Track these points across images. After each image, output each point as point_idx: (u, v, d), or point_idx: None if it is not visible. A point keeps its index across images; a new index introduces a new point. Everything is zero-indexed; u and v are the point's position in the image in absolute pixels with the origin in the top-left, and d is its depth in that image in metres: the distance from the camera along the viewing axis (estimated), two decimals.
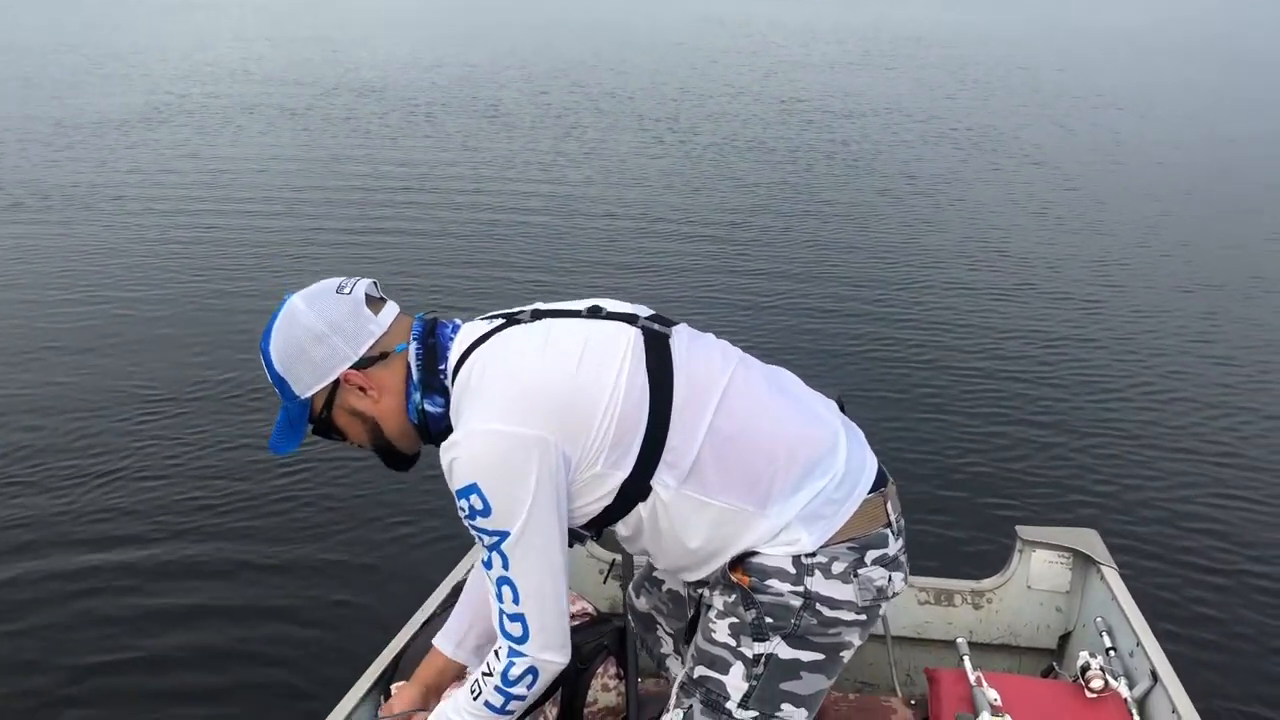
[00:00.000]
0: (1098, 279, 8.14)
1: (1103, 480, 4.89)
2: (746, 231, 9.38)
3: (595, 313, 1.70)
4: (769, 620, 1.65)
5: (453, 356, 1.66)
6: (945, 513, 4.52)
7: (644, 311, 1.74)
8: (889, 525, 1.70)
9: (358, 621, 3.73)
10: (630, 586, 2.27)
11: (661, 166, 12.18)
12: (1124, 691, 2.35)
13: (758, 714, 1.67)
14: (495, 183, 11.28)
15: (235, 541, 4.35)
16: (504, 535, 1.56)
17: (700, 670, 1.71)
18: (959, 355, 6.44)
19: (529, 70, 21.00)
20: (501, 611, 1.63)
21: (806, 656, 1.67)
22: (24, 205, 10.06)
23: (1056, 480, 4.88)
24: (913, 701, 2.55)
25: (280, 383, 1.66)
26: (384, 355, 1.66)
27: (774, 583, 1.64)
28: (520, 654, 1.63)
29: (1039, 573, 2.88)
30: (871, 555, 1.66)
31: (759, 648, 1.66)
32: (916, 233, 9.43)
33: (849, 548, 1.65)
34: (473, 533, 1.60)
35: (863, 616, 1.68)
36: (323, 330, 1.62)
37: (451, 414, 1.65)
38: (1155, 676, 2.38)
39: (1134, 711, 2.30)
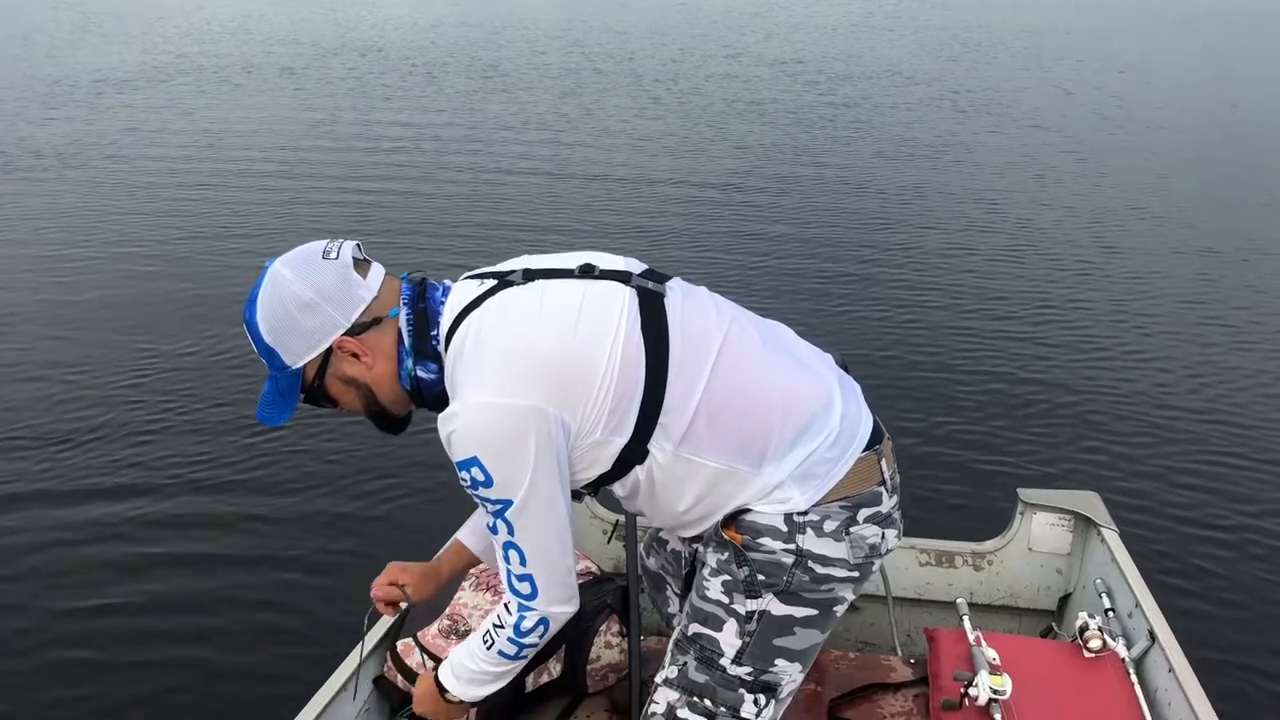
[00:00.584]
0: (1096, 241, 8.13)
1: (1104, 443, 4.91)
2: (743, 192, 9.35)
3: (587, 271, 1.66)
4: (761, 577, 1.65)
5: (445, 321, 1.63)
6: (946, 475, 4.55)
7: (636, 267, 1.71)
8: (883, 483, 1.70)
9: (368, 573, 3.75)
10: (642, 546, 2.28)
11: (660, 127, 12.10)
12: (1122, 651, 2.37)
13: (751, 669, 1.68)
14: (492, 142, 11.23)
15: (243, 495, 4.38)
16: (507, 504, 1.56)
17: (694, 627, 1.72)
18: (958, 317, 6.45)
19: (528, 30, 20.83)
20: (510, 572, 1.63)
21: (800, 612, 1.67)
22: (17, 164, 10.01)
23: (1058, 443, 4.90)
24: (912, 661, 2.58)
25: (269, 353, 1.61)
26: (376, 321, 1.62)
27: (766, 540, 1.64)
28: (530, 609, 1.65)
29: (1040, 535, 2.89)
30: (864, 514, 1.66)
31: (751, 605, 1.66)
32: (915, 195, 9.40)
33: (841, 506, 1.65)
34: (477, 502, 1.60)
35: (855, 574, 1.69)
36: (312, 298, 1.56)
37: (446, 380, 1.63)
38: (1153, 637, 2.40)
39: (1131, 671, 2.32)
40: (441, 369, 1.64)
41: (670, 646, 1.77)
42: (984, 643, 2.39)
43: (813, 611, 1.68)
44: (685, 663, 1.72)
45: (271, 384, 1.66)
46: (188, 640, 3.53)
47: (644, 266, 1.72)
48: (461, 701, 1.83)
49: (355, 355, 1.62)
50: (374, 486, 4.46)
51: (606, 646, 2.45)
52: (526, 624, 1.66)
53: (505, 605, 1.69)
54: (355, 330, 1.60)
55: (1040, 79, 15.97)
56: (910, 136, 11.83)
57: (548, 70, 16.06)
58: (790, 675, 1.71)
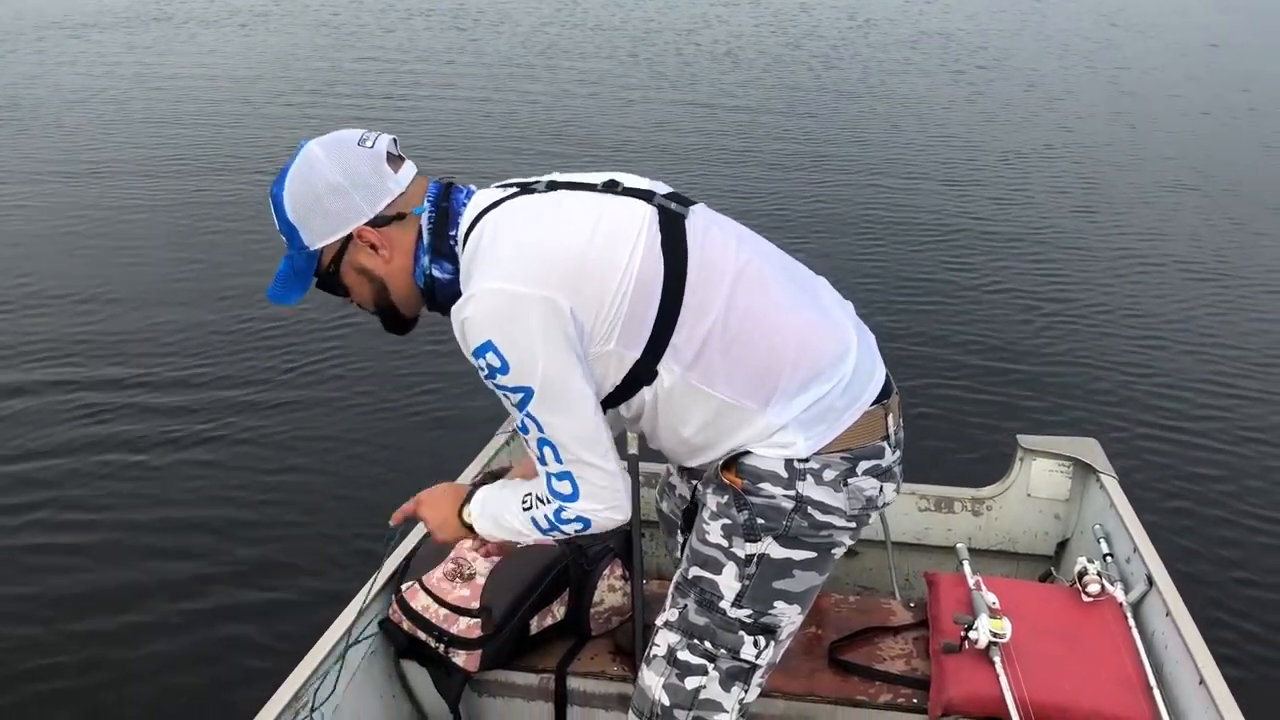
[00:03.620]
0: (1096, 189, 8.10)
1: (1105, 390, 4.93)
2: (753, 135, 9.29)
3: (611, 187, 1.65)
4: (761, 521, 1.66)
5: (464, 222, 1.62)
6: (947, 421, 4.57)
7: (661, 189, 1.68)
8: (886, 438, 1.69)
9: (371, 520, 3.80)
10: (657, 489, 2.29)
11: (675, 68, 11.98)
12: (1119, 596, 2.40)
13: (751, 612, 1.69)
14: (512, 63, 11.10)
15: (241, 446, 4.41)
16: (528, 393, 1.53)
17: (695, 570, 1.73)
18: (960, 265, 6.43)
19: None
20: (548, 474, 1.61)
21: (799, 555, 1.68)
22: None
23: (1059, 390, 4.92)
24: (912, 604, 2.60)
25: (290, 231, 1.60)
26: (400, 216, 1.61)
27: (766, 485, 1.64)
28: (568, 508, 1.62)
29: (1039, 481, 2.91)
30: (864, 465, 1.66)
31: (751, 548, 1.67)
32: (918, 142, 9.35)
33: (842, 457, 1.64)
34: (499, 396, 1.57)
35: (852, 524, 1.70)
36: (341, 182, 1.56)
37: (461, 280, 1.61)
38: (1150, 581, 2.42)
39: (1129, 615, 2.35)
40: (456, 270, 1.63)
41: (671, 589, 1.78)
42: (983, 587, 2.40)
43: (811, 554, 1.69)
44: (685, 605, 1.73)
45: (287, 264, 1.64)
46: (186, 588, 3.55)
47: (669, 189, 1.70)
48: (472, 529, 1.79)
49: (373, 247, 1.61)
50: (382, 435, 4.49)
51: (610, 590, 2.47)
52: (566, 515, 1.63)
53: (536, 498, 1.67)
54: (378, 222, 1.59)
55: (1044, 35, 15.76)
56: (916, 88, 11.71)
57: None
58: (789, 617, 1.72)
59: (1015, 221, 7.27)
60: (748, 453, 1.65)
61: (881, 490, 1.70)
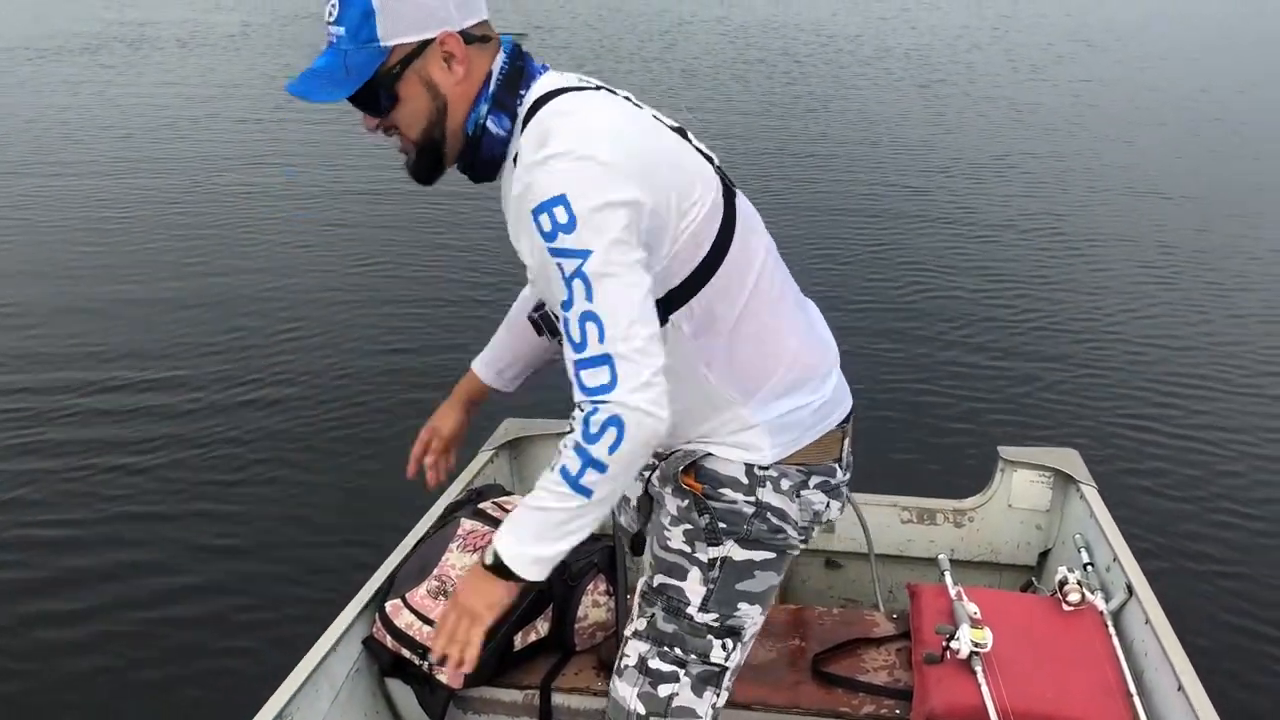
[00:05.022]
0: (1074, 200, 8.18)
1: (1084, 401, 4.96)
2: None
3: (682, 133, 1.60)
4: (722, 525, 1.67)
5: (536, 89, 1.51)
6: (927, 433, 4.59)
7: (715, 159, 1.64)
8: (839, 460, 1.73)
9: (352, 542, 3.79)
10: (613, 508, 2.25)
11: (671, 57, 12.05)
12: (1100, 605, 2.42)
13: (717, 615, 1.70)
14: None
15: (215, 457, 4.41)
16: (586, 255, 1.36)
17: (659, 578, 1.73)
18: (941, 277, 6.49)
19: None
20: (580, 362, 1.38)
21: (759, 556, 1.70)
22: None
23: (1038, 401, 4.95)
24: (895, 616, 2.61)
25: (365, 17, 1.42)
26: (485, 39, 1.50)
27: (727, 491, 1.65)
28: (604, 400, 1.36)
29: (1020, 492, 2.93)
30: (815, 480, 1.69)
31: (714, 552, 1.68)
32: (890, 155, 9.42)
33: (798, 470, 1.67)
34: (550, 260, 1.39)
35: (802, 535, 1.72)
36: None
37: (512, 145, 1.51)
38: (1130, 590, 2.44)
39: (1109, 623, 2.37)
40: (511, 132, 1.52)
41: (637, 599, 1.78)
42: (965, 597, 2.42)
43: (771, 555, 1.71)
44: (653, 614, 1.73)
45: (336, 59, 1.45)
46: (169, 605, 3.54)
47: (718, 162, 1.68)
48: (519, 580, 1.47)
49: (449, 60, 1.47)
50: (358, 460, 4.45)
51: (594, 605, 2.48)
52: (597, 419, 1.36)
53: (577, 405, 1.41)
54: (464, 38, 1.48)
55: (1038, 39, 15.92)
56: (898, 101, 11.80)
57: None
58: (752, 618, 1.73)
59: (989, 234, 7.33)
60: (709, 455, 1.66)
61: (828, 506, 1.73)
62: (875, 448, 4.16)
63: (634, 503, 2.03)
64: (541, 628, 2.43)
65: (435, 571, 2.41)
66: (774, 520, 1.67)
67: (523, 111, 1.50)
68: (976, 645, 2.22)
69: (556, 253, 1.38)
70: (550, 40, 15.70)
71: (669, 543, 1.72)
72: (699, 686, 1.72)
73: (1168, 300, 6.24)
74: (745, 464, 1.65)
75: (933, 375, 5.17)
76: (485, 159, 1.54)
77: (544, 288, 1.55)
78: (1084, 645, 2.31)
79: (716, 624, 1.70)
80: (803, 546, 1.76)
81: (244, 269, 6.59)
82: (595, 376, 1.37)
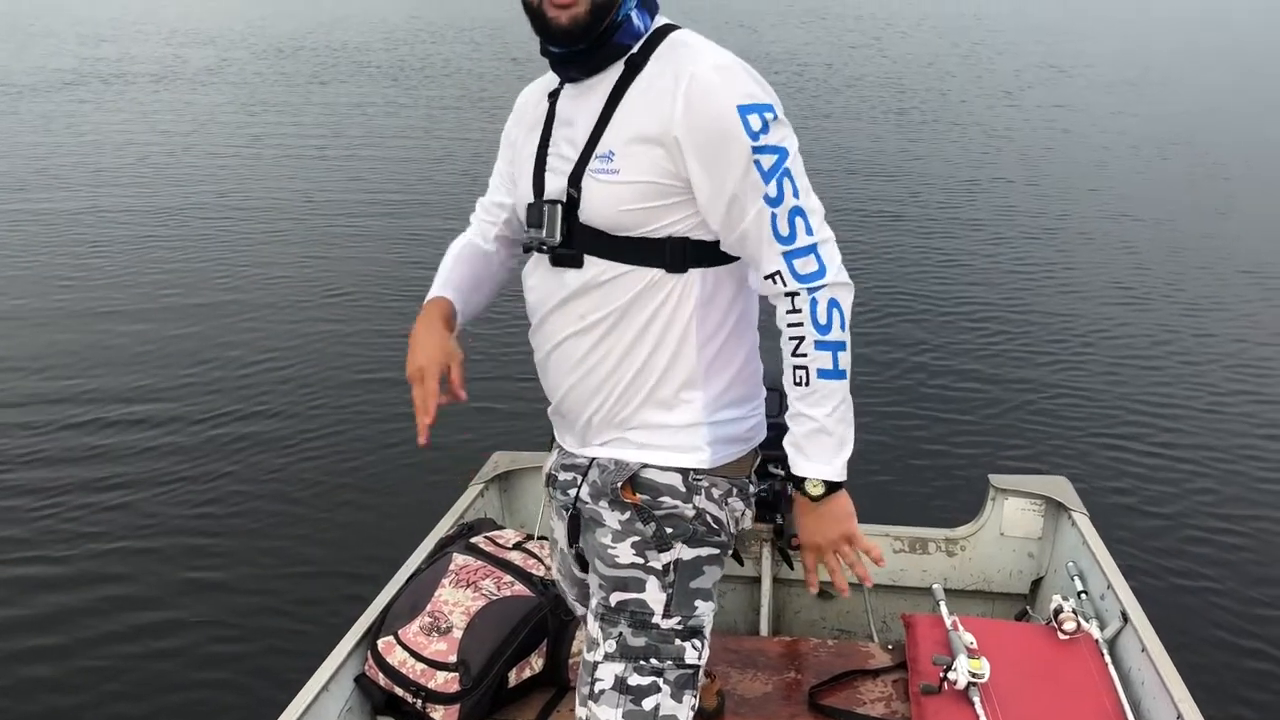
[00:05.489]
0: (1066, 233, 8.26)
1: (1074, 428, 4.99)
2: None
3: None
4: (669, 530, 1.69)
5: (658, 19, 1.64)
6: (919, 462, 4.60)
7: None
8: (750, 476, 1.79)
9: (342, 575, 3.76)
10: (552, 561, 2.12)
11: None
12: (1095, 633, 2.42)
13: (680, 618, 1.70)
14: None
15: (206, 491, 4.36)
16: (783, 154, 1.54)
17: (616, 596, 1.71)
18: (931, 305, 6.53)
19: None
20: (791, 253, 1.56)
21: (705, 552, 1.72)
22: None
23: (1028, 429, 4.98)
24: (890, 646, 2.60)
25: None
26: None
27: (666, 499, 1.68)
28: (820, 287, 1.56)
29: (1012, 520, 2.93)
30: (737, 490, 1.75)
31: (665, 557, 1.69)
32: (872, 183, 9.50)
33: (726, 480, 1.72)
34: (755, 161, 1.52)
35: (730, 540, 1.77)
36: None
37: (657, 56, 1.59)
38: (1125, 618, 2.44)
39: (1105, 651, 2.37)
40: (643, 32, 1.61)
41: (596, 625, 1.74)
42: (960, 627, 2.42)
43: (714, 551, 1.73)
44: (620, 633, 1.71)
45: None
46: (157, 641, 3.49)
47: None
48: (839, 487, 1.63)
49: None
50: (349, 495, 4.42)
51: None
52: (820, 309, 1.56)
53: (787, 309, 1.58)
54: None
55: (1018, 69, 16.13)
56: (893, 124, 11.91)
57: None
58: (707, 615, 1.75)
59: (965, 259, 7.40)
60: (645, 466, 1.68)
61: (744, 515, 1.78)
62: (866, 477, 4.17)
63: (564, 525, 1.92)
64: (536, 663, 2.41)
65: (428, 608, 2.39)
66: (711, 524, 1.72)
67: (649, 30, 1.62)
68: (974, 676, 2.22)
69: (761, 149, 1.52)
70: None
71: (617, 559, 1.71)
72: (678, 692, 1.71)
73: (1142, 322, 6.31)
74: (681, 470, 1.68)
75: (918, 403, 5.19)
76: (616, 43, 1.60)
77: (717, 182, 1.55)
78: (1080, 674, 2.31)
79: (681, 627, 1.70)
80: (730, 553, 1.80)
81: (224, 303, 6.55)
82: (806, 265, 1.56)
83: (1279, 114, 13.11)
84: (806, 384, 1.58)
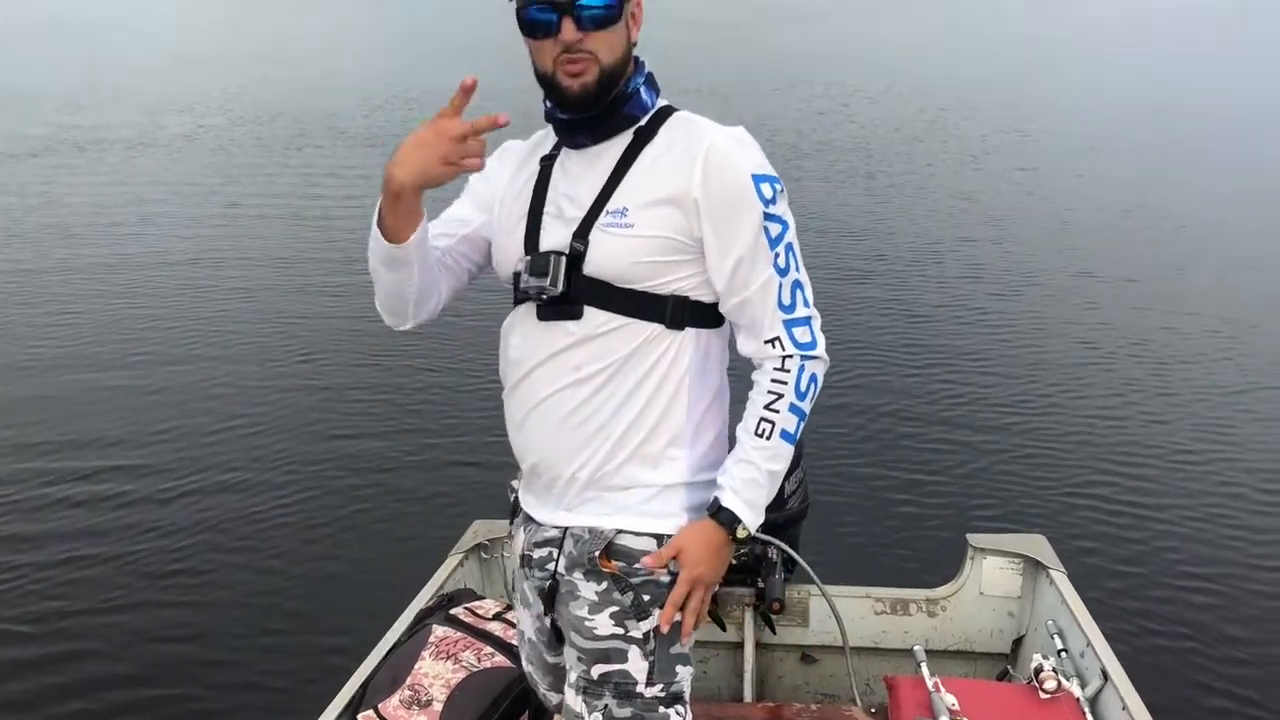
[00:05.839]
0: (1015, 284, 8.40)
1: (1050, 486, 5.02)
2: None
3: None
4: (646, 598, 1.69)
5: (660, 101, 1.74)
6: (896, 523, 4.61)
7: None
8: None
9: (323, 649, 3.71)
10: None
11: None
12: (1076, 691, 2.42)
13: (663, 685, 1.71)
14: None
15: (186, 578, 4.30)
16: (786, 226, 1.66)
17: (598, 669, 1.71)
18: (904, 367, 6.57)
19: None
20: (791, 321, 1.68)
21: (677, 617, 1.72)
22: None
23: (1001, 487, 5.00)
24: (873, 710, 2.59)
25: None
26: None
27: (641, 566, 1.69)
28: (811, 358, 1.69)
29: (990, 579, 2.95)
30: None
31: (645, 625, 1.70)
32: (840, 243, 9.61)
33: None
34: (764, 228, 1.63)
35: None
36: None
37: (642, 120, 1.70)
38: (1106, 676, 2.45)
39: (1086, 710, 2.37)
40: (648, 109, 1.71)
41: (578, 700, 1.72)
42: (943, 688, 2.42)
43: (679, 615, 1.72)
44: (605, 705, 1.71)
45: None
46: (136, 717, 3.44)
47: None
48: (738, 540, 1.69)
49: (635, 17, 1.69)
50: (327, 566, 4.38)
51: None
52: (805, 377, 1.68)
53: (774, 375, 1.68)
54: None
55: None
56: (865, 170, 12.09)
57: None
58: (687, 680, 1.75)
59: (946, 324, 7.46)
60: (620, 532, 1.69)
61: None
62: (843, 538, 4.16)
63: (527, 636, 1.95)
64: None
65: (408, 680, 2.36)
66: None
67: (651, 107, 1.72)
68: None
69: (770, 217, 1.64)
70: None
71: (595, 631, 1.71)
72: None
73: (1108, 380, 6.37)
74: (655, 536, 1.69)
75: (891, 464, 5.20)
76: (626, 113, 1.69)
77: (727, 244, 1.64)
78: None
79: (664, 694, 1.71)
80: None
81: (196, 369, 6.53)
82: (803, 335, 1.69)
83: (1238, 174, 13.42)
84: (768, 438, 1.67)
